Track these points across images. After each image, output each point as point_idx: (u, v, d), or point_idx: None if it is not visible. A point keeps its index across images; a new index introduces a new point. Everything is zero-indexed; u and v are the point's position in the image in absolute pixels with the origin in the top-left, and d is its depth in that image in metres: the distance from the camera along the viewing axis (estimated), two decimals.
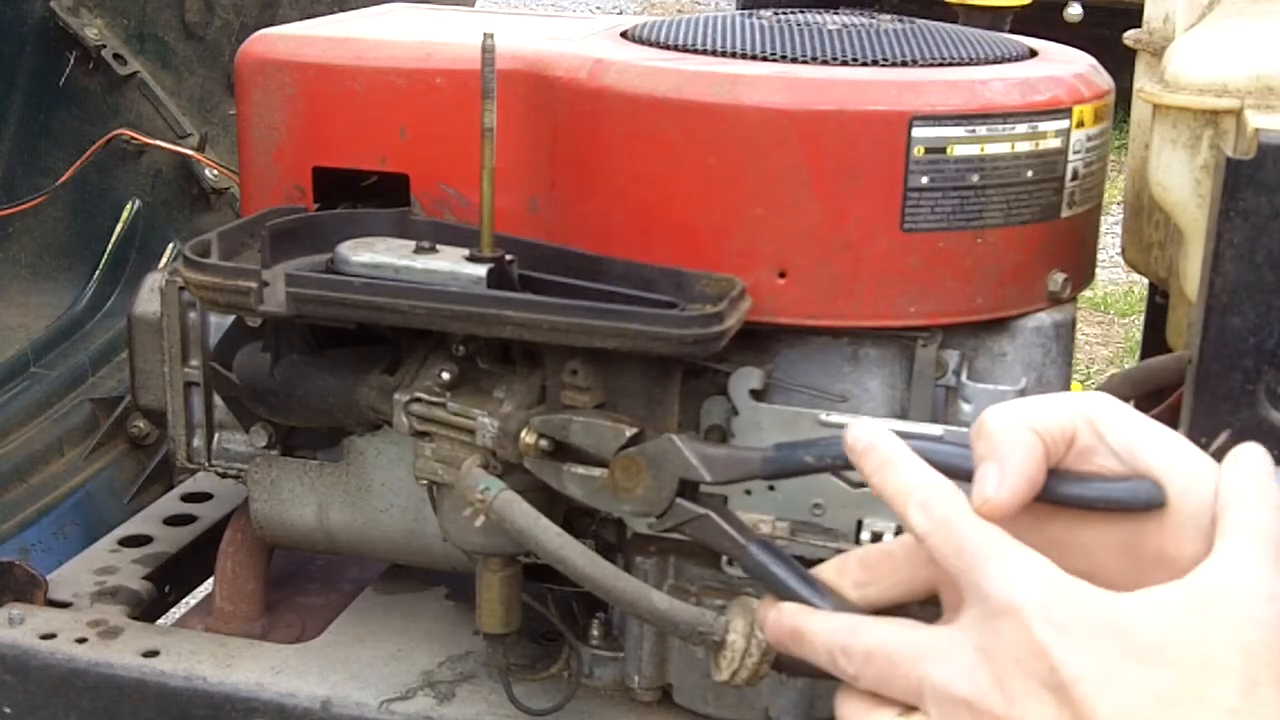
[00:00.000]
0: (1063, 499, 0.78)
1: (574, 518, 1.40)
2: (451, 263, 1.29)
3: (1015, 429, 0.77)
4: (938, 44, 1.38)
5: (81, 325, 2.45)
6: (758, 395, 1.34)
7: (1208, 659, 0.70)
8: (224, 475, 1.62)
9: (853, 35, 1.37)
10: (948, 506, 0.78)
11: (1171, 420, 1.20)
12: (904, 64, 1.34)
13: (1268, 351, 1.11)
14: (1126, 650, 0.71)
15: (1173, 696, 0.70)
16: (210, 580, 1.69)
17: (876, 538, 1.28)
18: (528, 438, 1.26)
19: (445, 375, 1.33)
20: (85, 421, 2.30)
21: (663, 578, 1.41)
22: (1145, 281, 1.80)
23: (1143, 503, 0.76)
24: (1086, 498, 0.77)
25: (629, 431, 1.22)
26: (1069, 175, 1.34)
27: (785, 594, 0.89)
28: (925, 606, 0.84)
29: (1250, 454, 0.78)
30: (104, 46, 2.42)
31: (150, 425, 2.25)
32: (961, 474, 0.80)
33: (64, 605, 1.62)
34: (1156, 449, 0.77)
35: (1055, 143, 1.32)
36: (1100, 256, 1.50)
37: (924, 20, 1.47)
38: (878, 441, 0.82)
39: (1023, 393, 1.32)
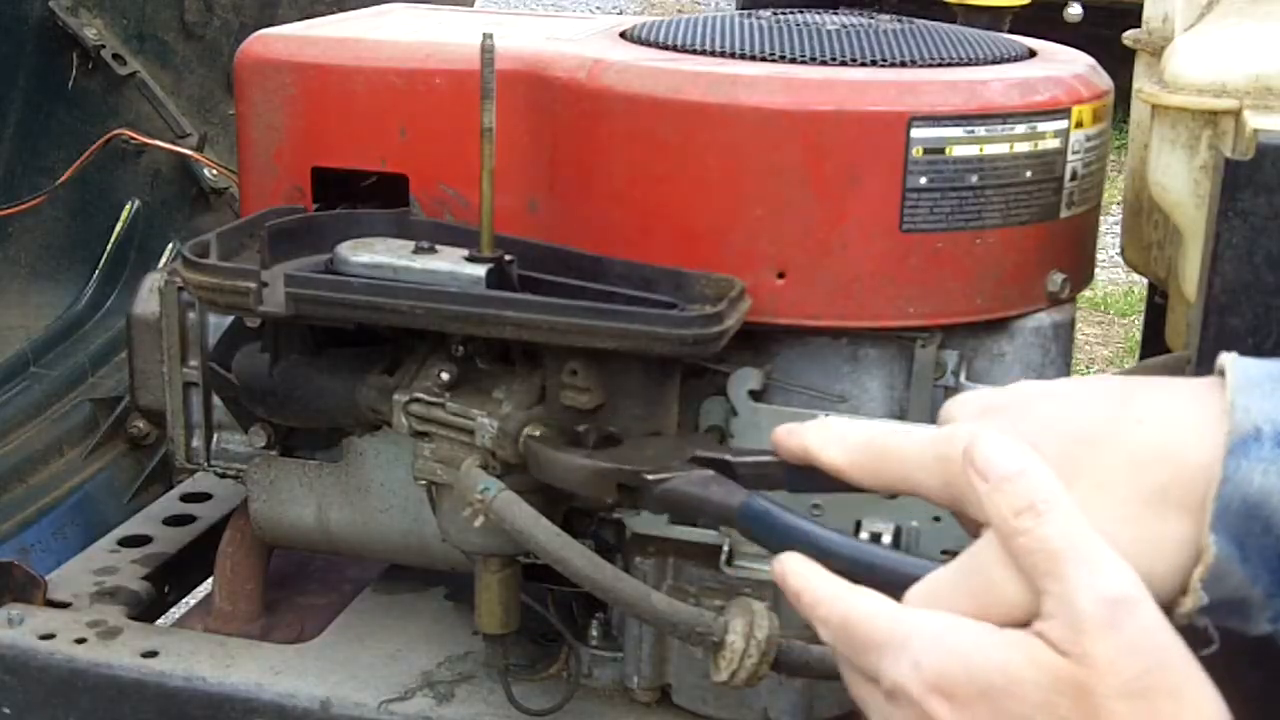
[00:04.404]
0: None
1: (574, 518, 1.40)
2: (451, 263, 1.29)
3: None
4: (937, 44, 1.38)
5: (81, 325, 2.44)
6: (757, 396, 1.34)
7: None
8: (223, 475, 1.62)
9: (852, 35, 1.37)
10: (837, 613, 0.81)
11: None
12: (903, 64, 1.34)
13: (1266, 352, 1.11)
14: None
15: None
16: (210, 580, 1.69)
17: (875, 538, 1.28)
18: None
19: (444, 375, 1.33)
20: (85, 421, 2.29)
21: (662, 578, 1.41)
22: (1145, 281, 1.80)
23: None
24: None
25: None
26: (1068, 175, 1.34)
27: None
28: None
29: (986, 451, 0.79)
30: (103, 46, 2.42)
31: (150, 425, 2.24)
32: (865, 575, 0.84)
33: (63, 605, 1.62)
34: None
35: (1054, 143, 1.32)
36: (1100, 256, 1.50)
37: (923, 20, 1.47)
38: (786, 574, 0.86)
39: None
